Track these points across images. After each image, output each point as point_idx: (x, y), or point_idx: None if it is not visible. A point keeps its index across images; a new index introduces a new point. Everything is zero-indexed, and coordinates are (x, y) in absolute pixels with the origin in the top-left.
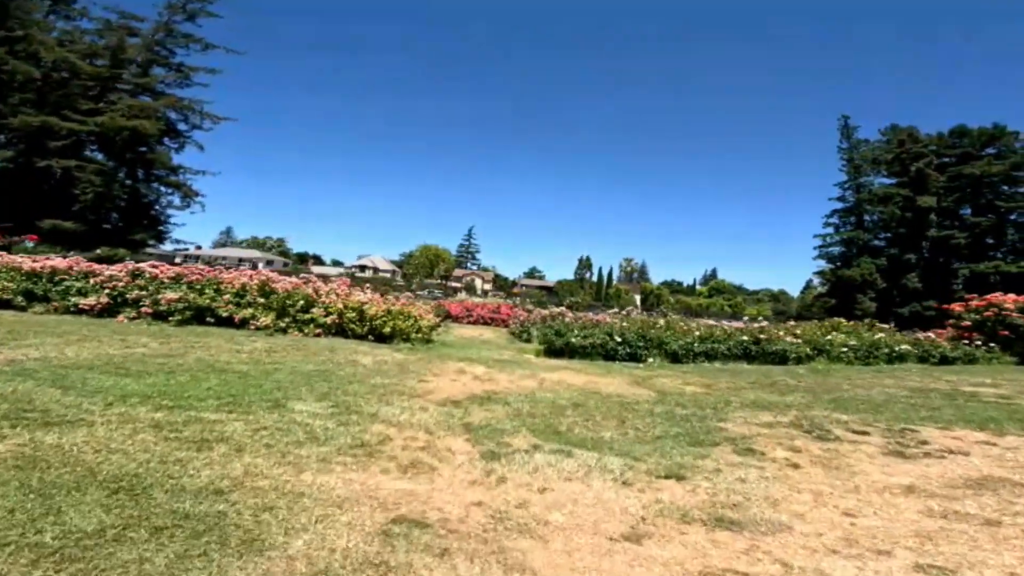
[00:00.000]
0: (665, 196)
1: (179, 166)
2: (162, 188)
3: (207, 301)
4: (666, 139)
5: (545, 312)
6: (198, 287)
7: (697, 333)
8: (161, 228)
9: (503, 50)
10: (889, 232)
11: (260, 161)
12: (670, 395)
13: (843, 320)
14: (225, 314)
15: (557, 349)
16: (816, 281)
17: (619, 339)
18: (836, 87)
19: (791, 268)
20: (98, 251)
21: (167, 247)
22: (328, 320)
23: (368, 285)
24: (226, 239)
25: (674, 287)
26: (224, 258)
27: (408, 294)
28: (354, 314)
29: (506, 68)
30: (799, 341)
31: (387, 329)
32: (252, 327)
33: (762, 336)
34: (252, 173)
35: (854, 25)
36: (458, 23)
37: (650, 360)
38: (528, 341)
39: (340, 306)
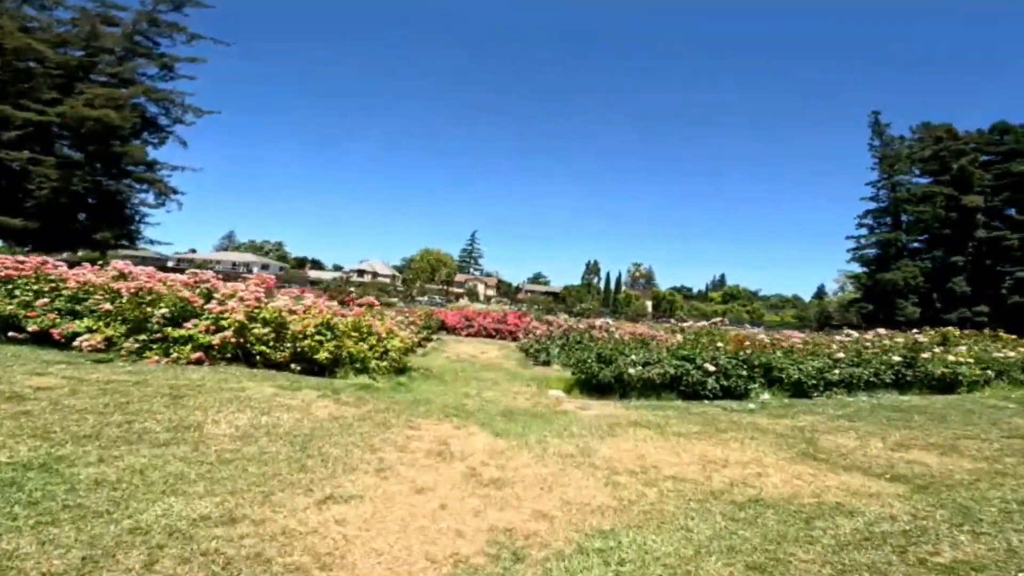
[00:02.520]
0: (671, 200)
1: (155, 161)
2: (135, 184)
3: (10, 308)
4: (675, 142)
5: (562, 322)
6: (11, 286)
7: (841, 355)
8: (132, 227)
9: (508, 51)
10: (928, 233)
11: (263, 163)
12: (935, 490)
13: (952, 329)
14: (34, 327)
15: (602, 383)
16: (834, 287)
17: (711, 367)
18: (843, 88)
19: (800, 272)
20: (64, 254)
21: (161, 248)
22: (216, 339)
23: (352, 291)
24: (228, 243)
25: (684, 293)
26: (218, 262)
27: (369, 299)
28: (266, 330)
29: (511, 70)
30: (970, 360)
31: (324, 354)
32: (86, 346)
33: (921, 355)
34: (255, 176)
35: (862, 23)
36: (460, 23)
37: (764, 397)
38: (547, 363)
39: (240, 317)
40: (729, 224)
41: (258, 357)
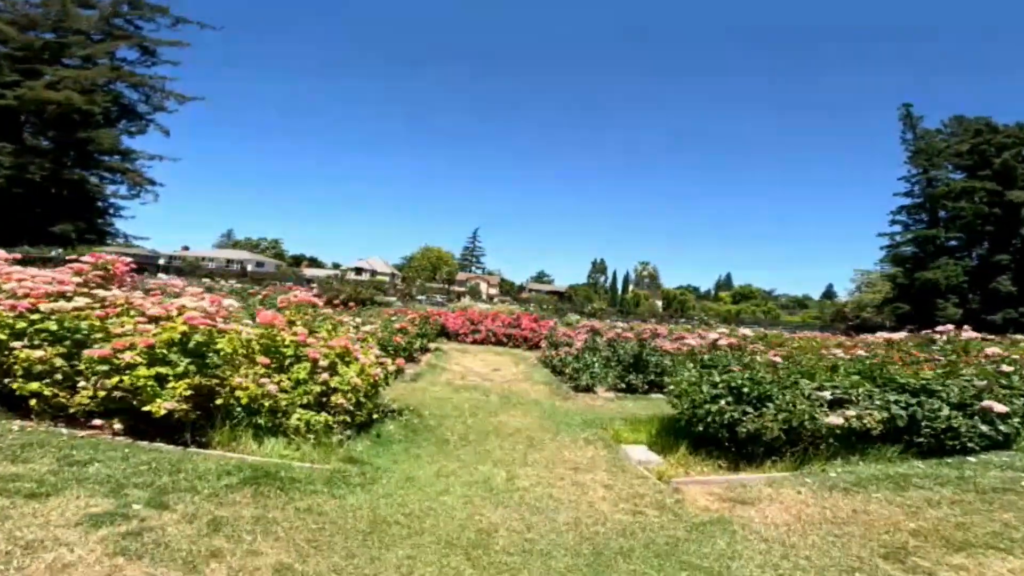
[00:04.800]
0: (673, 199)
1: (129, 150)
2: (105, 175)
3: None
4: (678, 138)
5: (601, 327)
6: None
7: None
8: (101, 220)
9: (510, 47)
10: (967, 230)
11: (263, 159)
12: None
13: None
14: None
15: (744, 438)
16: (850, 287)
17: (998, 406)
18: (850, 88)
19: (805, 272)
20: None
21: (144, 244)
22: None
23: (321, 285)
24: (226, 241)
25: (693, 293)
26: (212, 259)
27: (304, 296)
28: (43, 353)
29: (514, 66)
30: None
31: (166, 403)
32: None
33: None
34: (256, 172)
35: (869, 21)
36: (465, 12)
37: None
38: (589, 389)
39: None
40: (732, 223)
41: (34, 402)
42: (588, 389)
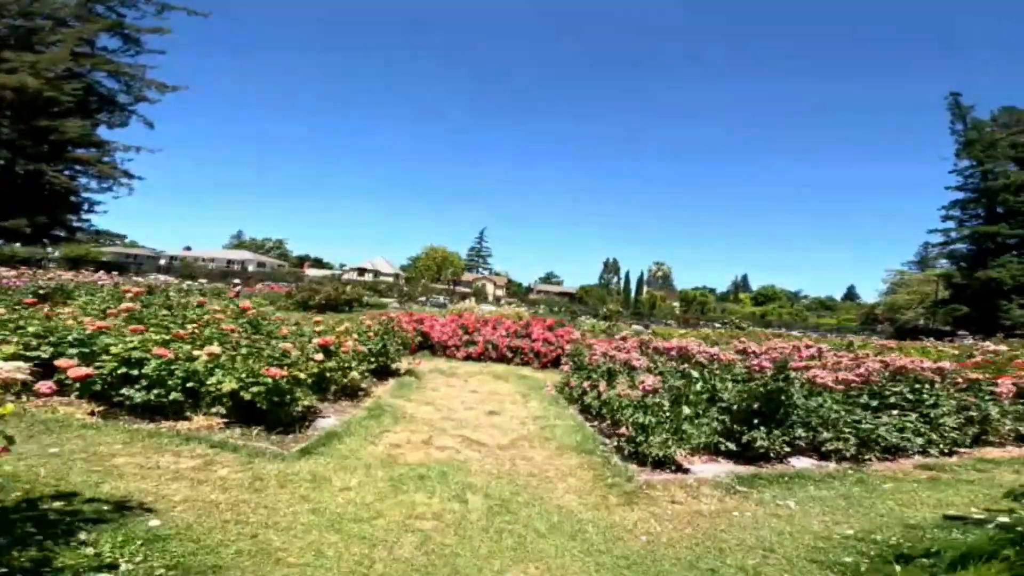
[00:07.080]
0: (684, 198)
1: (104, 141)
2: (76, 167)
3: None
4: (693, 138)
5: (691, 347)
6: None
7: None
8: (73, 216)
9: (517, 45)
10: None
11: (272, 160)
12: None
13: None
14: None
15: None
16: (882, 287)
17: None
18: (860, 83)
19: (821, 272)
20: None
21: (127, 240)
22: None
23: (296, 285)
24: (236, 242)
25: (712, 294)
26: (213, 260)
27: None
28: None
29: (520, 64)
30: None
31: None
32: None
33: None
34: (265, 173)
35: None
36: (472, 13)
37: None
38: (665, 461)
39: None
40: (745, 224)
41: None
42: (664, 461)
